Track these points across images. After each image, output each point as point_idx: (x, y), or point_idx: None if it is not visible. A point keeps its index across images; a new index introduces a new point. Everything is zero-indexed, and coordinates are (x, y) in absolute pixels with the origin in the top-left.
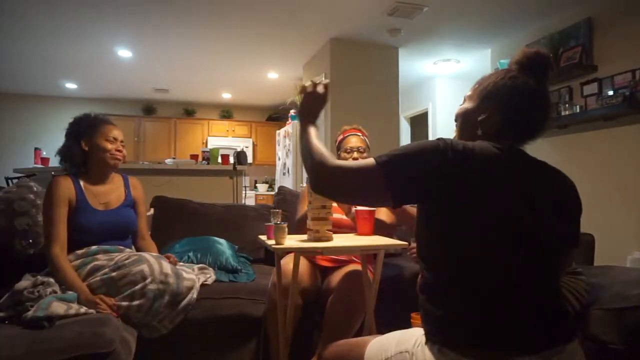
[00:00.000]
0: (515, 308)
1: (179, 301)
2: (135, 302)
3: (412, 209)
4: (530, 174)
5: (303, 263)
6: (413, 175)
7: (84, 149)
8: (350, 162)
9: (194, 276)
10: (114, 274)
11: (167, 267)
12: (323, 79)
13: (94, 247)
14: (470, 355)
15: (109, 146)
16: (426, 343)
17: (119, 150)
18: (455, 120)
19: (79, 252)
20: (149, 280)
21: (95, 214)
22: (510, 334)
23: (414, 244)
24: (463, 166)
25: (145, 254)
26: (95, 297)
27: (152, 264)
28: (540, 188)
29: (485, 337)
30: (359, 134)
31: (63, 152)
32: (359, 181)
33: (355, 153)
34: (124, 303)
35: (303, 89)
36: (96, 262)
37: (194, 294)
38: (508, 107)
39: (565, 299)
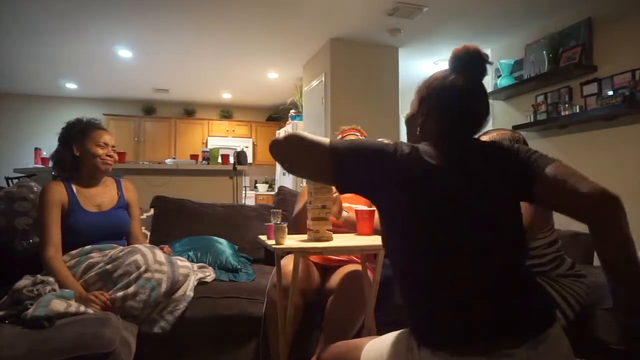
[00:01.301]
0: (487, 303)
1: (177, 289)
2: (131, 290)
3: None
4: (466, 164)
5: (303, 263)
6: (356, 169)
7: (75, 154)
8: (309, 135)
9: (189, 264)
10: (108, 266)
11: (160, 256)
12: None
13: (87, 247)
14: (462, 355)
15: (100, 151)
16: (419, 346)
17: (109, 155)
18: (406, 127)
19: (73, 252)
20: (143, 269)
21: (88, 215)
22: (483, 329)
23: None
24: (406, 165)
25: (138, 245)
26: (89, 295)
27: (146, 253)
28: (475, 174)
29: (461, 336)
30: (357, 134)
31: (55, 157)
32: (308, 155)
33: None
34: (120, 294)
35: None
36: (90, 260)
37: (190, 282)
38: (439, 109)
39: (565, 300)
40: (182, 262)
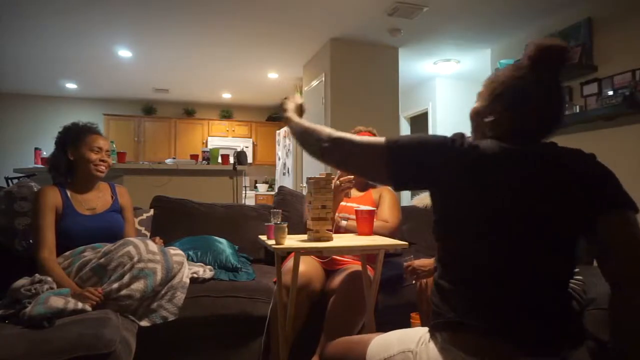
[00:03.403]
0: (516, 306)
1: (172, 276)
2: (126, 280)
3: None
4: (530, 169)
5: (313, 265)
6: (414, 162)
7: (70, 159)
8: (360, 137)
9: (181, 252)
10: (101, 260)
11: (153, 246)
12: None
13: (80, 247)
14: (472, 354)
15: (93, 156)
16: (429, 340)
17: (103, 161)
18: (470, 120)
19: (66, 253)
20: (136, 259)
21: (81, 218)
22: (513, 334)
23: (412, 262)
24: (460, 163)
25: (130, 238)
26: (84, 291)
27: (138, 244)
28: (536, 182)
29: (487, 337)
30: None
31: (51, 161)
32: (363, 157)
33: None
34: (115, 285)
35: (285, 101)
36: (84, 258)
37: (185, 270)
38: (516, 110)
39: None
40: (174, 251)
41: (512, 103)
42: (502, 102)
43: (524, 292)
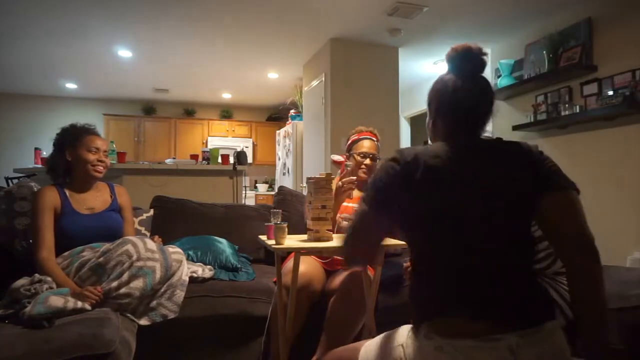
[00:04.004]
0: (485, 289)
1: (171, 274)
2: (125, 278)
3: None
4: (473, 161)
5: (314, 265)
6: (387, 202)
7: (68, 160)
8: (350, 224)
9: (180, 250)
10: (100, 259)
11: (151, 244)
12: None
13: (79, 247)
14: (452, 337)
15: (91, 157)
16: (414, 332)
17: (100, 161)
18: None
19: (65, 254)
20: (135, 257)
21: (80, 217)
22: (483, 313)
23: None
24: (410, 172)
25: (128, 237)
26: (83, 290)
27: (136, 243)
28: (482, 171)
29: (465, 321)
30: (374, 138)
31: (49, 162)
32: (367, 235)
33: (367, 159)
34: (114, 283)
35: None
36: (83, 258)
37: (184, 268)
38: (442, 111)
39: (565, 300)
40: (173, 249)
41: (438, 107)
42: (433, 109)
43: (491, 277)
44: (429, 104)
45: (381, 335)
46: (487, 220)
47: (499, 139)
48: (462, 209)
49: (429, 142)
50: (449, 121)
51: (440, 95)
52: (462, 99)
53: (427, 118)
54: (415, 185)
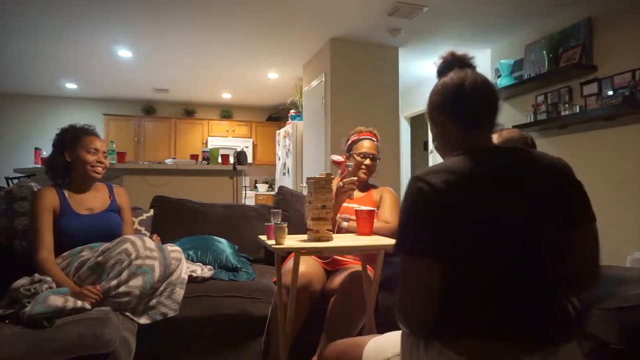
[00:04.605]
0: (510, 307)
1: (171, 273)
2: (124, 277)
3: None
4: (506, 176)
5: (314, 265)
6: (423, 235)
7: (67, 160)
8: (405, 285)
9: (179, 248)
10: (99, 258)
11: (150, 243)
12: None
13: (78, 247)
14: (469, 356)
15: (90, 158)
16: (426, 346)
17: (99, 162)
18: (439, 153)
19: (64, 254)
20: (133, 256)
21: (79, 218)
22: (506, 332)
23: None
24: (439, 204)
25: (127, 235)
26: (83, 289)
27: (135, 241)
28: (516, 187)
29: (481, 335)
30: (374, 138)
31: (48, 163)
32: (415, 286)
33: (368, 160)
34: (113, 282)
35: None
36: (82, 258)
37: (183, 266)
38: (449, 104)
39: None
40: (172, 247)
41: (445, 102)
42: (435, 117)
43: (515, 299)
44: (433, 112)
45: (389, 335)
46: (527, 238)
47: (530, 153)
48: (504, 226)
49: (434, 150)
50: (457, 114)
51: (441, 94)
52: (468, 89)
53: (433, 135)
54: (454, 210)
